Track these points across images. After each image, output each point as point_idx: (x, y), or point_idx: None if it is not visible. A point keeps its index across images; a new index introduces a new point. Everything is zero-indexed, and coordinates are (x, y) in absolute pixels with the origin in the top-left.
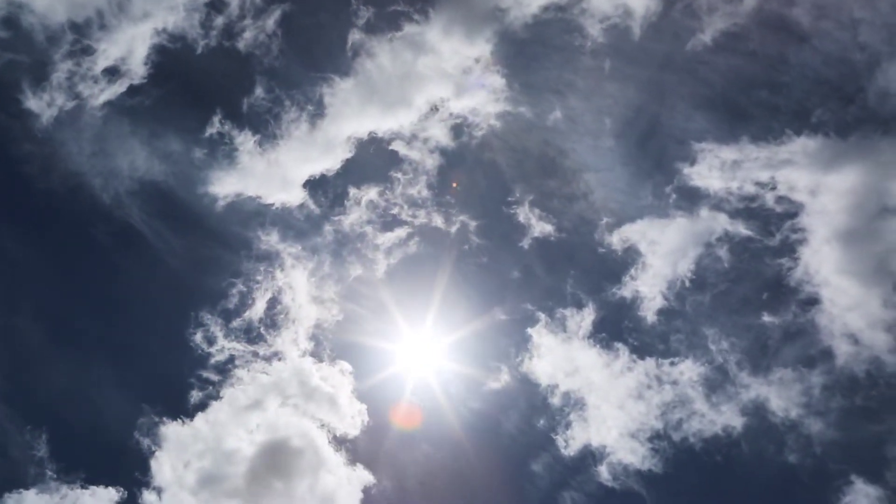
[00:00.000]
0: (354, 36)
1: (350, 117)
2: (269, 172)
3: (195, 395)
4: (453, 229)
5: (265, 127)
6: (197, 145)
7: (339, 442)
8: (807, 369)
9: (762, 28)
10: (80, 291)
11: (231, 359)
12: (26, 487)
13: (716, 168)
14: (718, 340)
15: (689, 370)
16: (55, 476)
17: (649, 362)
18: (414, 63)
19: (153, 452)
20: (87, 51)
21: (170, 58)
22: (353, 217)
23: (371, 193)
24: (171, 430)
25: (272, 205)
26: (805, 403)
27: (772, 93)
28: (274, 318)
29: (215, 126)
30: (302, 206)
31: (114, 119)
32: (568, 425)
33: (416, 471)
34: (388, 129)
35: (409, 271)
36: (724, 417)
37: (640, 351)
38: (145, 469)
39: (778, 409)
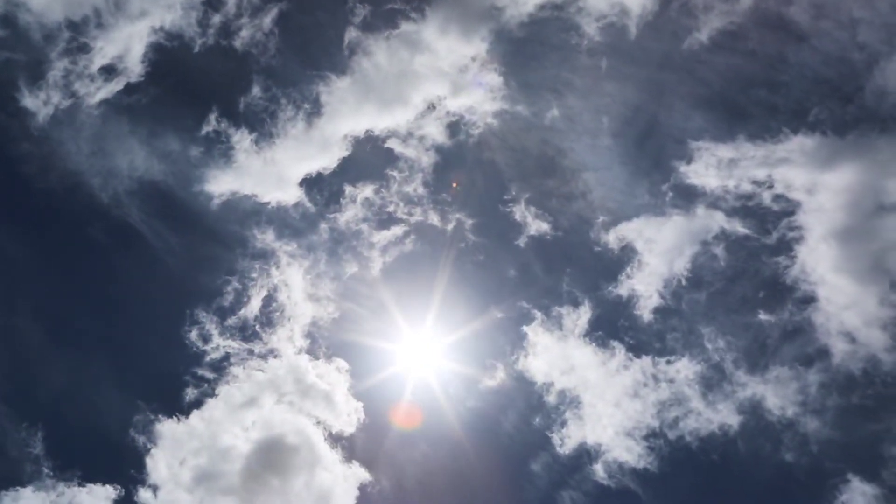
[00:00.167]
0: (351, 34)
1: (347, 115)
2: (265, 171)
3: (190, 393)
4: (449, 227)
5: (262, 125)
6: (193, 143)
7: (335, 439)
8: (803, 368)
9: (760, 27)
10: (76, 289)
11: (226, 356)
12: (23, 485)
13: (712, 166)
14: (715, 339)
15: (685, 368)
16: (51, 473)
17: (645, 360)
18: (410, 61)
19: (149, 450)
20: (84, 49)
21: (167, 56)
22: (348, 215)
23: (367, 191)
24: (167, 427)
25: (268, 203)
26: (801, 402)
27: (770, 92)
28: (269, 315)
29: (212, 124)
30: (298, 204)
31: (110, 117)
32: (564, 423)
33: (410, 467)
34: (385, 127)
35: (404, 269)
36: (721, 416)
37: (637, 349)
38: (141, 467)
39: (774, 407)
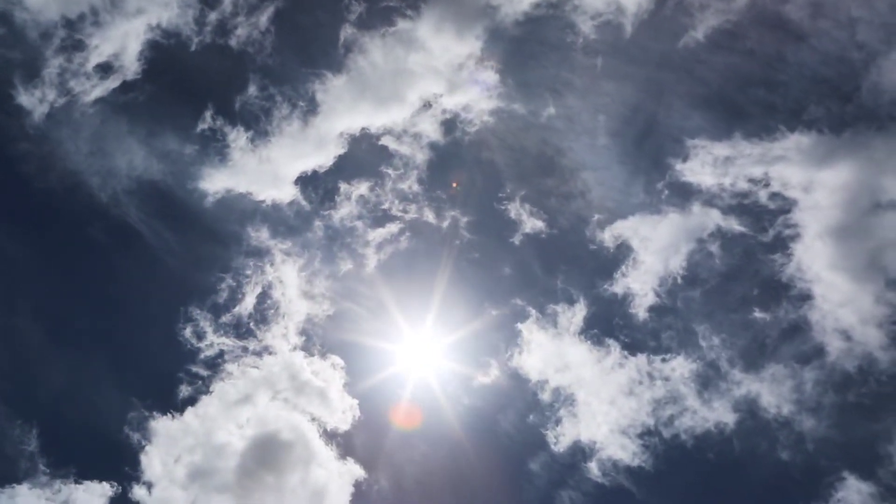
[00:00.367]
0: (346, 32)
1: (343, 113)
2: (260, 169)
3: (185, 390)
4: (444, 225)
5: (257, 123)
6: (189, 142)
7: (330, 436)
8: (799, 366)
9: (758, 26)
10: (72, 288)
11: (221, 353)
12: (19, 482)
13: (708, 164)
14: (710, 337)
15: (680, 366)
16: (47, 471)
17: (640, 359)
18: (406, 59)
19: (143, 447)
20: (80, 46)
21: (163, 54)
22: (343, 212)
23: (362, 189)
24: (161, 424)
25: (263, 201)
26: (797, 400)
27: (769, 91)
28: (264, 313)
29: (207, 122)
30: (293, 202)
31: (107, 115)
32: (558, 421)
33: (404, 463)
34: (382, 125)
35: (399, 266)
36: (716, 414)
37: (632, 347)
38: (135, 464)
39: (770, 405)
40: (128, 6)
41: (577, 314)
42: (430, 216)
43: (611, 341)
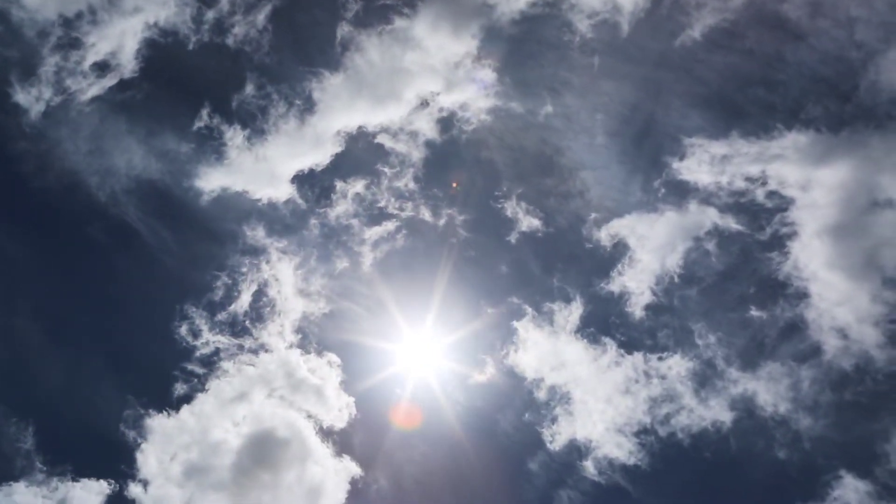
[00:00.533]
0: (343, 30)
1: (339, 112)
2: (257, 167)
3: (181, 388)
4: (441, 223)
5: (254, 122)
6: (186, 140)
7: (326, 433)
8: (796, 364)
9: (756, 25)
10: (69, 286)
11: (216, 351)
12: (16, 480)
13: (705, 163)
14: (707, 335)
15: (677, 365)
16: (44, 469)
17: (637, 357)
18: (403, 57)
19: (139, 445)
20: (78, 45)
21: (160, 52)
22: (339, 210)
23: (358, 187)
24: (157, 422)
25: (259, 199)
26: (794, 398)
27: (767, 90)
28: (260, 311)
29: (204, 120)
30: (289, 200)
31: (104, 114)
32: (554, 419)
33: (401, 460)
34: (378, 123)
35: (395, 264)
36: (713, 412)
37: (628, 346)
38: (131, 461)
39: (767, 404)
40: (125, 5)
41: (573, 312)
42: (426, 214)
43: (607, 339)
